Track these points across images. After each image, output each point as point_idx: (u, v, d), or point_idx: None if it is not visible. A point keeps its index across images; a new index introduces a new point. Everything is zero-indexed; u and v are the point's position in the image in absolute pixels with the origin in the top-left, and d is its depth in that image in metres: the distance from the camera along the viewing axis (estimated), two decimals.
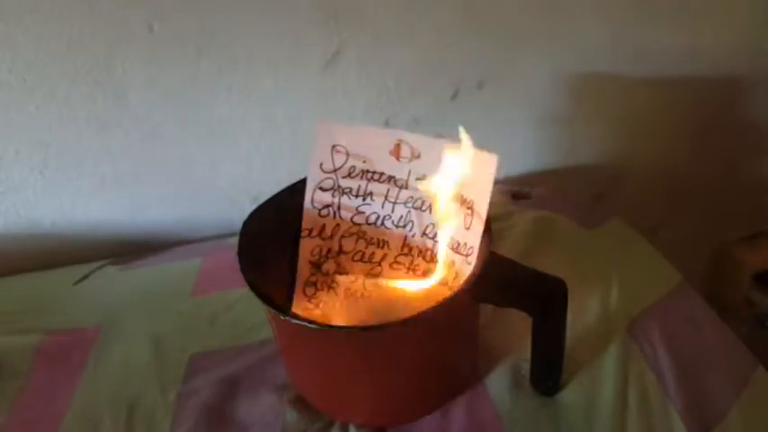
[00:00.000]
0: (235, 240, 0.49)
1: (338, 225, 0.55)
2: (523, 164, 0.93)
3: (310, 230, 0.55)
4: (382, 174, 0.53)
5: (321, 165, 0.53)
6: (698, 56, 0.89)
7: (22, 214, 0.78)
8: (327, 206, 0.54)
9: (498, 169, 0.93)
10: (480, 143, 0.89)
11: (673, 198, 1.04)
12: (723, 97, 0.96)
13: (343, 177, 0.53)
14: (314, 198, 0.54)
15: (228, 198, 0.84)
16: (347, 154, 0.52)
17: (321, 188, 0.53)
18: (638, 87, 0.90)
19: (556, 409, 0.51)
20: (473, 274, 0.43)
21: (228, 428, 0.53)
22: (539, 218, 0.74)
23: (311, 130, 0.79)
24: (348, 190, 0.54)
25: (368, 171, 0.53)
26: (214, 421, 0.53)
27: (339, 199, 0.54)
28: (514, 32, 0.80)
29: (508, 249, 0.66)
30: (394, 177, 0.53)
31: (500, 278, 0.45)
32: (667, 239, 0.84)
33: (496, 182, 0.88)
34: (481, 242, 0.46)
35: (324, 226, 0.55)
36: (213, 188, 0.83)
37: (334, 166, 0.53)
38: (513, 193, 0.82)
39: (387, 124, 0.82)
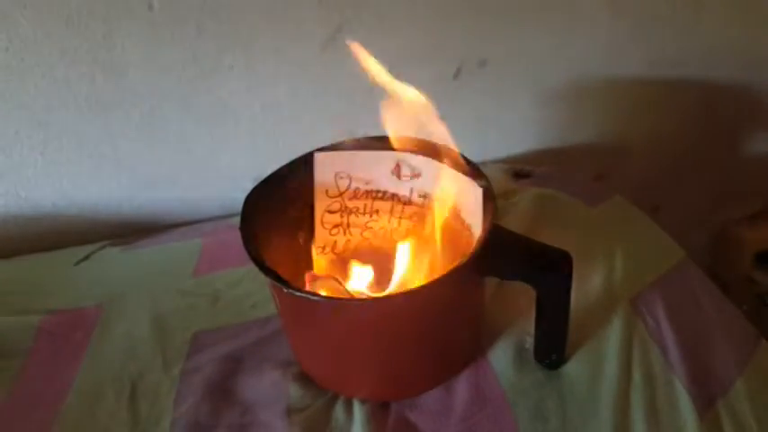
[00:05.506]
0: (236, 220, 0.49)
1: (349, 240, 0.57)
2: (526, 142, 0.92)
3: (323, 248, 0.57)
4: (386, 192, 0.55)
5: (326, 191, 0.55)
6: (700, 34, 0.89)
7: (22, 195, 0.78)
8: (337, 225, 0.56)
9: (500, 148, 0.93)
10: (483, 122, 0.89)
11: (674, 177, 1.04)
12: (725, 76, 0.95)
13: (350, 199, 0.56)
14: (323, 220, 0.56)
15: (230, 178, 0.83)
16: (350, 178, 0.54)
17: (329, 211, 0.56)
18: (640, 66, 0.90)
19: (560, 382, 0.51)
20: (478, 246, 0.43)
21: (232, 404, 0.53)
22: (541, 196, 0.74)
23: (313, 107, 0.79)
24: (355, 209, 0.56)
25: (372, 191, 0.55)
26: (218, 397, 0.53)
27: (347, 218, 0.56)
28: (516, 9, 0.79)
29: (511, 227, 0.65)
30: (397, 195, 0.55)
31: (505, 250, 0.45)
32: (669, 218, 0.84)
33: (499, 161, 0.87)
34: (485, 213, 0.46)
35: (335, 243, 0.57)
36: (214, 168, 0.82)
37: (339, 190, 0.55)
38: (515, 171, 0.82)
39: None
